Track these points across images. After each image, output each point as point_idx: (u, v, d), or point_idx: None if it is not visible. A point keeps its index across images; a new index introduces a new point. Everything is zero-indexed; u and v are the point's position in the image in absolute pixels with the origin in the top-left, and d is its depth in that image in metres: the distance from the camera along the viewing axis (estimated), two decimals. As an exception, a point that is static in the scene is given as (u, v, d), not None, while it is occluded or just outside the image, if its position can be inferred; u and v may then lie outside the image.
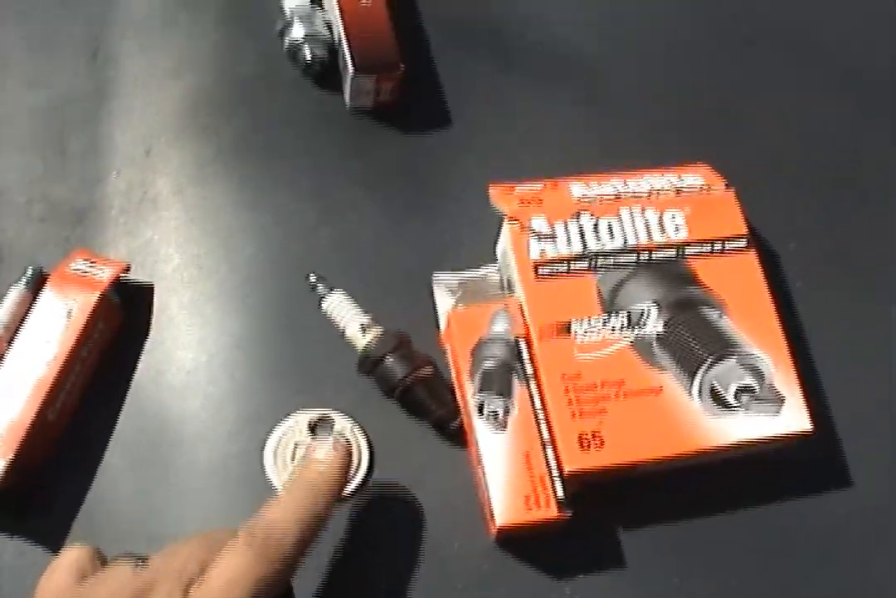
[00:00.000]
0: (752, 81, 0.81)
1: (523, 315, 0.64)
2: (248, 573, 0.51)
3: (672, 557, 0.64)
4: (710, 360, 0.63)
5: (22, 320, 0.68)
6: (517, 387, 0.62)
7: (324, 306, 0.68)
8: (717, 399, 0.62)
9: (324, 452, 0.56)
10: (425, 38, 0.81)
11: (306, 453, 0.57)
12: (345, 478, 0.57)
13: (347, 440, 0.57)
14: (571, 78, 0.81)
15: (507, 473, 0.60)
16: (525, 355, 0.63)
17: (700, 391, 0.62)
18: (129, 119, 0.78)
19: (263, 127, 0.78)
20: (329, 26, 0.78)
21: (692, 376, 0.62)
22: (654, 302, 0.64)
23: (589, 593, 0.63)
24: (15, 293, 0.69)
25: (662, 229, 0.67)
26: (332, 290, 0.69)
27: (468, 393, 0.62)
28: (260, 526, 0.53)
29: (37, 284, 0.70)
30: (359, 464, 0.65)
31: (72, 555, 0.54)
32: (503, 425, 0.61)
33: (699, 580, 0.63)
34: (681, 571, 0.64)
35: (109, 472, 0.66)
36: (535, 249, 0.66)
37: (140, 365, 0.70)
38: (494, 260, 0.70)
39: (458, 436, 0.66)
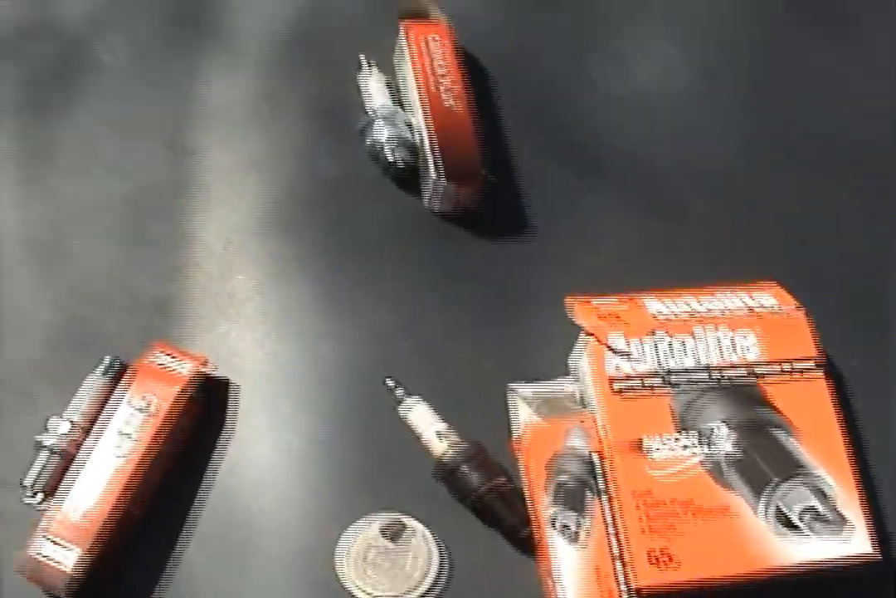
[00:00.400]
0: (817, 200, 0.85)
1: (598, 431, 0.67)
2: None
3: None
4: (776, 480, 0.65)
5: (100, 409, 0.70)
6: (590, 501, 0.65)
7: (401, 410, 0.71)
8: (783, 520, 0.64)
9: None
10: (506, 143, 0.84)
11: None
12: None
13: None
14: (648, 191, 0.84)
15: (578, 586, 0.63)
16: (599, 471, 0.65)
17: (766, 511, 0.64)
18: (210, 211, 0.81)
19: (343, 227, 0.81)
20: (410, 126, 0.81)
21: (759, 495, 0.65)
22: (725, 421, 0.67)
23: None
24: (93, 381, 0.72)
25: (734, 349, 0.69)
26: (409, 395, 0.71)
27: (542, 505, 0.65)
28: None
29: (115, 372, 0.72)
30: (429, 568, 0.67)
31: None
32: (575, 539, 0.64)
33: None
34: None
35: (185, 565, 0.69)
36: (612, 365, 0.68)
37: (217, 459, 0.72)
38: (567, 369, 0.72)
39: (527, 545, 0.68)
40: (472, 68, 0.84)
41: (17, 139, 0.86)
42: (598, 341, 0.69)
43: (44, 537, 0.65)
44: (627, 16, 0.92)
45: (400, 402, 0.71)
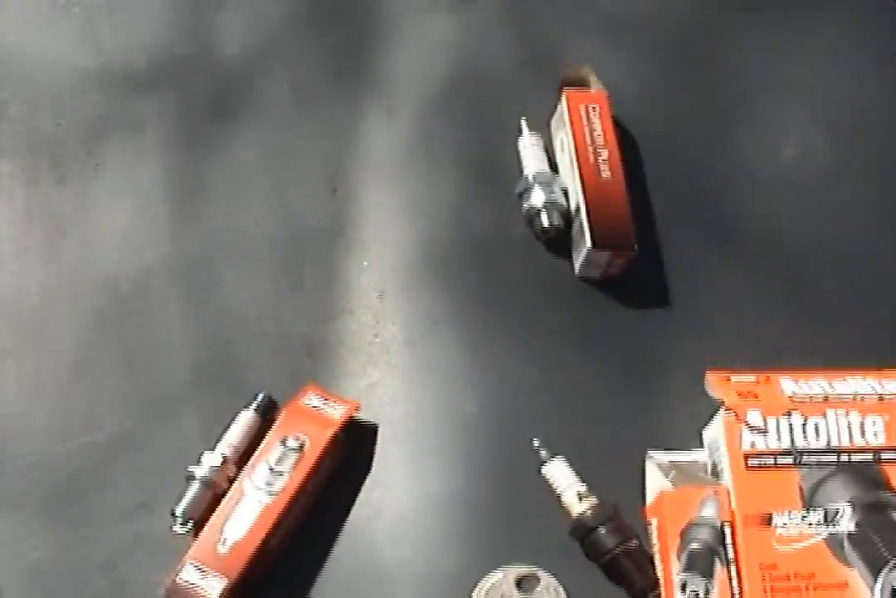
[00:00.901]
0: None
1: (730, 502, 0.72)
2: None
3: None
4: (893, 561, 0.70)
5: (249, 444, 0.76)
6: (718, 570, 0.70)
7: (544, 470, 0.76)
8: None
9: None
10: (651, 214, 0.89)
11: None
12: None
13: None
14: (783, 272, 0.89)
15: (702, 651, 0.67)
16: (728, 541, 0.70)
17: (882, 590, 0.69)
18: (364, 260, 0.87)
19: (492, 284, 0.86)
20: (566, 193, 0.86)
21: (876, 575, 0.69)
22: (849, 502, 0.71)
23: None
24: (245, 417, 0.77)
25: (863, 433, 0.74)
26: (553, 456, 0.76)
27: (672, 570, 0.70)
28: None
29: (266, 410, 0.78)
30: (559, 622, 0.73)
31: None
32: (703, 606, 0.69)
33: None
34: None
35: (320, 598, 0.72)
36: (747, 441, 0.74)
37: (358, 502, 0.77)
38: (699, 438, 0.78)
39: (653, 608, 0.72)
40: (623, 139, 0.88)
41: (173, 173, 0.92)
42: (736, 417, 0.74)
43: (192, 565, 0.70)
44: (770, 96, 0.97)
45: (544, 462, 0.76)
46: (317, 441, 0.74)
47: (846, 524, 0.71)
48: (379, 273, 0.86)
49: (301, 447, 0.74)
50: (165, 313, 0.84)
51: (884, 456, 0.74)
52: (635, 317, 0.85)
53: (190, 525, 0.73)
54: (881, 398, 0.76)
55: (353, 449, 0.78)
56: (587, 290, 0.85)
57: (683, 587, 0.69)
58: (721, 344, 0.83)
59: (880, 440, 0.75)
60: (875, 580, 0.69)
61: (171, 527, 0.73)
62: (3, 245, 0.88)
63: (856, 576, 0.70)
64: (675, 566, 0.70)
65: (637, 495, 0.77)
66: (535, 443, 0.76)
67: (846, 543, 0.71)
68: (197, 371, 0.82)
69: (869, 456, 0.74)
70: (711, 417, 0.77)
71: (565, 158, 0.86)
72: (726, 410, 0.74)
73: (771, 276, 0.88)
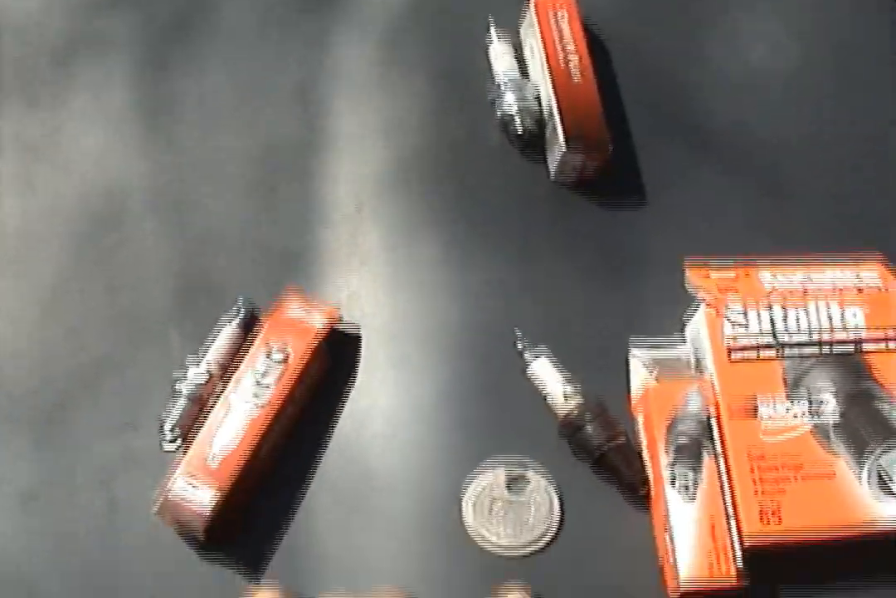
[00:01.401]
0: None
1: (715, 395, 0.71)
2: None
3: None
4: (878, 449, 0.69)
5: (232, 356, 0.74)
6: (706, 461, 0.68)
7: (529, 371, 0.75)
8: (884, 486, 0.68)
9: None
10: (622, 116, 0.87)
11: None
12: None
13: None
14: (758, 167, 0.87)
15: (693, 540, 0.66)
16: (715, 433, 0.69)
17: (868, 478, 0.68)
18: (340, 173, 0.85)
19: (472, 192, 0.84)
20: (538, 98, 0.84)
21: (862, 462, 0.68)
22: (833, 392, 0.70)
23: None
24: (228, 331, 0.75)
25: (844, 324, 0.73)
26: (538, 356, 0.75)
27: (661, 464, 0.68)
28: None
29: (248, 323, 0.76)
30: (550, 520, 0.71)
31: None
32: (692, 497, 0.67)
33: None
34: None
35: (312, 508, 0.72)
36: (729, 334, 0.72)
37: (345, 410, 0.76)
38: (681, 331, 0.77)
39: (643, 501, 0.72)
40: (593, 45, 0.86)
41: (143, 93, 0.89)
42: (717, 312, 0.72)
43: (183, 479, 0.68)
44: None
45: (528, 362, 0.74)
46: (301, 351, 0.73)
47: (831, 413, 0.70)
48: (355, 185, 0.84)
49: (285, 359, 0.72)
50: (143, 233, 0.82)
51: (865, 346, 0.73)
52: (612, 218, 0.83)
53: (178, 441, 0.71)
54: (860, 290, 0.75)
55: (337, 358, 0.77)
56: (563, 193, 0.83)
57: (673, 480, 0.68)
58: (698, 241, 0.81)
59: (861, 330, 0.74)
60: (861, 467, 0.68)
61: (159, 444, 0.71)
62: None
63: (843, 465, 0.69)
64: (664, 460, 0.69)
65: (623, 390, 0.76)
66: (519, 345, 0.74)
67: (832, 432, 0.70)
68: (177, 289, 0.80)
69: (850, 347, 0.73)
70: (692, 307, 0.75)
71: (536, 64, 0.84)
72: (707, 305, 0.73)
73: (744, 175, 0.87)
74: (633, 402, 0.74)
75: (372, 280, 0.80)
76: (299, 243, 0.81)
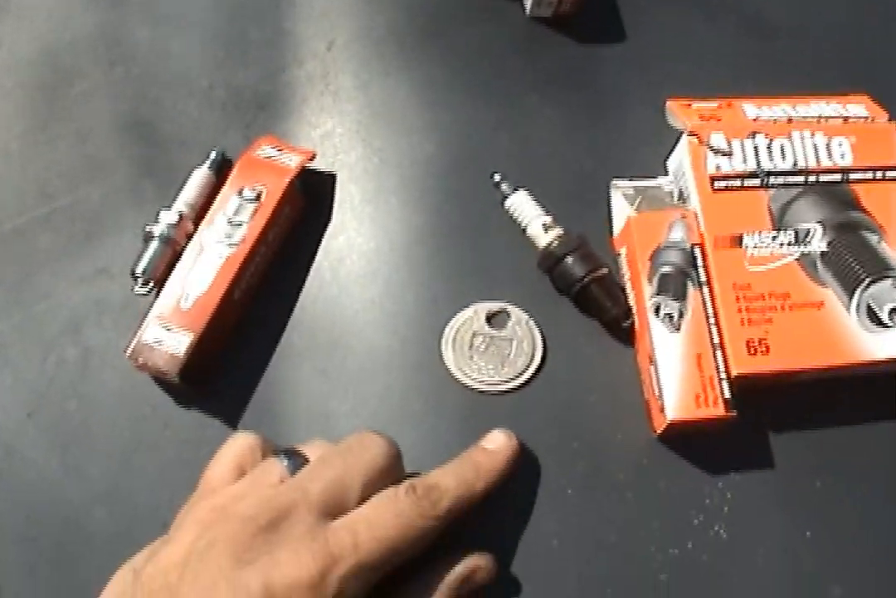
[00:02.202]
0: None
1: (699, 225, 0.66)
2: (399, 519, 0.53)
3: (818, 463, 0.66)
4: (867, 280, 0.65)
5: (206, 201, 0.70)
6: (691, 292, 0.64)
7: (507, 203, 0.70)
8: (873, 317, 0.64)
9: (497, 442, 0.61)
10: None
11: (481, 440, 0.61)
12: (508, 470, 0.60)
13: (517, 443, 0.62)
14: (743, 6, 0.82)
15: (679, 371, 0.63)
16: (700, 263, 0.65)
17: (857, 308, 0.64)
18: (311, 12, 0.80)
19: (445, 30, 0.79)
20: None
21: (851, 293, 0.65)
22: (820, 222, 0.66)
23: (740, 487, 0.65)
24: (199, 175, 0.71)
25: (830, 154, 0.69)
26: (515, 189, 0.70)
27: (645, 295, 0.64)
28: (422, 483, 0.55)
29: (220, 166, 0.72)
30: (532, 355, 0.67)
31: (235, 446, 0.58)
32: (677, 328, 0.63)
33: (839, 486, 0.66)
34: (824, 475, 0.66)
35: (288, 352, 0.68)
36: (712, 164, 0.68)
37: (321, 251, 0.71)
38: (662, 171, 0.72)
39: (626, 336, 0.68)
40: None
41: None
42: (699, 140, 0.68)
43: (156, 323, 0.65)
44: None
45: (506, 196, 0.70)
46: (274, 189, 0.68)
47: (818, 243, 0.66)
48: (326, 24, 0.79)
49: (258, 197, 0.68)
50: (111, 83, 0.78)
51: (852, 176, 0.69)
52: (591, 54, 0.78)
53: (150, 284, 0.67)
54: (846, 120, 0.70)
55: (311, 200, 0.72)
56: (540, 30, 0.78)
57: (657, 310, 0.64)
58: (680, 78, 0.77)
59: (847, 161, 0.69)
60: (850, 299, 0.65)
61: (131, 289, 0.67)
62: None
63: (831, 295, 0.65)
64: (647, 291, 0.65)
65: (604, 230, 0.72)
66: (497, 177, 0.70)
67: (819, 263, 0.66)
68: (148, 135, 0.76)
69: (837, 176, 0.69)
70: (674, 147, 0.70)
71: None
72: (689, 134, 0.69)
73: (728, 15, 0.82)
74: (615, 236, 0.70)
75: (345, 119, 0.75)
76: (270, 85, 0.76)
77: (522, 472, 0.64)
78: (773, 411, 0.67)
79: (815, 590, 0.63)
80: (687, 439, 0.65)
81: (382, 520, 0.52)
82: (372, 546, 0.51)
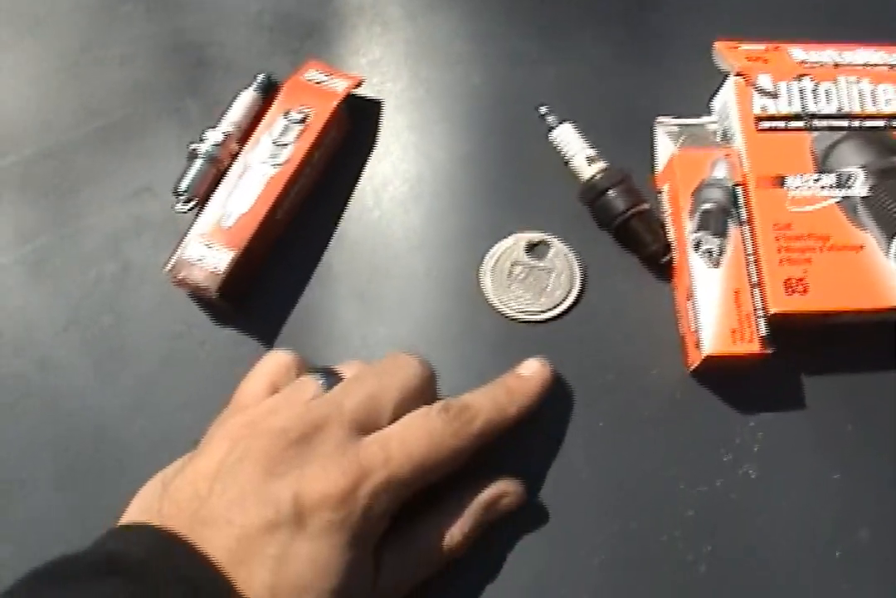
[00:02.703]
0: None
1: (742, 164, 0.66)
2: (431, 437, 0.53)
3: (850, 406, 0.66)
4: None
5: (252, 123, 0.69)
6: (732, 230, 0.64)
7: (552, 135, 0.69)
8: None
9: (531, 369, 0.61)
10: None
11: (516, 368, 0.61)
12: (541, 397, 0.60)
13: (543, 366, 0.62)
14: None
15: (717, 307, 0.62)
16: (741, 202, 0.64)
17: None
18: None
19: (496, -35, 0.76)
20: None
21: (891, 238, 0.64)
22: (862, 167, 0.66)
23: (771, 428, 0.65)
24: (246, 96, 0.70)
25: (874, 100, 0.68)
26: (561, 122, 0.69)
27: (686, 231, 0.64)
28: (455, 403, 0.55)
29: (266, 89, 0.71)
30: (570, 287, 0.67)
31: (270, 364, 0.57)
32: (716, 264, 0.63)
33: (871, 430, 0.66)
34: (856, 419, 0.66)
35: (327, 274, 0.68)
36: (758, 104, 0.67)
37: (364, 175, 0.71)
38: (707, 112, 0.71)
39: (664, 272, 0.68)
40: None
41: None
42: (746, 80, 0.67)
43: (197, 240, 0.64)
44: None
45: (552, 128, 0.69)
46: (320, 112, 0.68)
47: (859, 188, 0.66)
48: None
49: (304, 119, 0.68)
50: (159, 3, 0.78)
51: (896, 123, 0.66)
52: (640, -2, 0.75)
53: (193, 202, 0.66)
54: (892, 68, 0.69)
55: (357, 126, 0.71)
56: (592, -31, 0.75)
57: (697, 246, 0.64)
58: (729, 21, 0.76)
59: (892, 107, 0.69)
60: (889, 243, 0.64)
61: (173, 207, 0.66)
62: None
63: (870, 239, 0.64)
64: (688, 227, 0.64)
65: (647, 166, 0.71)
66: (543, 109, 0.69)
67: (860, 207, 0.65)
68: (195, 62, 0.75)
69: (881, 122, 0.68)
70: (720, 87, 0.70)
71: None
72: (736, 74, 0.68)
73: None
74: (657, 175, 0.70)
75: (392, 48, 0.74)
76: (319, 13, 0.76)
77: (554, 403, 0.64)
78: (808, 353, 0.66)
79: (842, 532, 0.62)
80: (720, 378, 0.65)
81: (414, 437, 0.52)
82: (403, 462, 0.51)
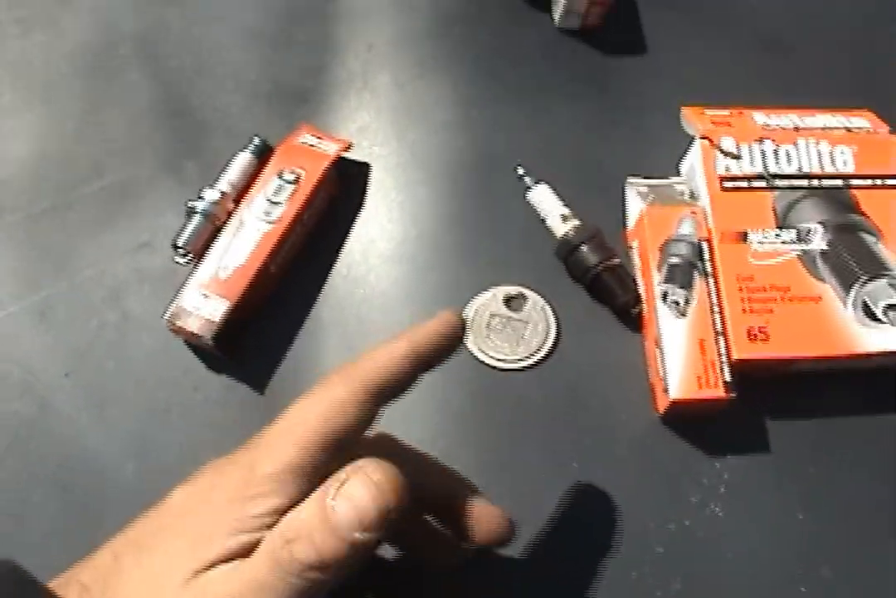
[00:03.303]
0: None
1: (707, 221, 0.69)
2: None
3: (812, 450, 0.68)
4: (864, 278, 0.67)
5: (247, 183, 0.72)
6: (697, 282, 0.67)
7: (529, 195, 0.73)
8: (868, 313, 0.66)
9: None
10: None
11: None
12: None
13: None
14: (757, 23, 0.86)
15: (683, 355, 0.65)
16: (706, 256, 0.68)
17: (854, 304, 0.66)
18: (353, 18, 0.83)
19: (479, 40, 0.82)
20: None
21: (848, 290, 0.67)
22: (821, 223, 0.69)
23: (736, 470, 0.66)
24: (242, 158, 0.73)
25: (833, 161, 0.71)
26: (537, 182, 0.73)
27: (654, 283, 0.67)
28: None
29: (261, 152, 0.74)
30: (546, 337, 0.70)
31: None
32: (683, 314, 0.66)
33: (832, 471, 0.68)
34: (818, 462, 0.68)
35: (317, 325, 0.71)
36: (722, 165, 0.71)
37: (353, 233, 0.74)
38: (675, 174, 0.75)
39: (635, 323, 0.70)
40: None
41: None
42: (710, 143, 0.70)
43: (195, 290, 0.67)
44: None
45: (528, 188, 0.72)
46: (312, 173, 0.71)
47: (818, 242, 0.69)
48: (367, 29, 0.82)
49: (297, 179, 0.71)
50: (163, 70, 0.81)
51: (853, 182, 0.72)
52: (613, 63, 0.81)
53: (190, 257, 0.70)
54: (849, 131, 0.73)
55: (346, 187, 0.75)
56: (567, 41, 0.82)
57: (665, 296, 0.67)
58: (695, 88, 0.80)
59: (849, 168, 0.72)
60: (847, 294, 0.67)
61: (172, 259, 0.69)
62: (3, 14, 0.84)
63: (829, 290, 0.67)
64: (657, 279, 0.67)
65: (618, 224, 0.74)
66: (520, 171, 0.73)
67: (819, 260, 0.68)
68: (195, 122, 0.79)
69: (839, 182, 0.72)
70: (687, 151, 0.73)
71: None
72: (701, 137, 0.72)
73: (744, 29, 0.85)
74: (627, 230, 0.73)
75: (381, 114, 0.78)
76: (312, 82, 0.79)
77: (531, 444, 0.67)
78: (771, 399, 0.68)
79: (805, 570, 0.64)
80: (688, 422, 0.67)
81: None
82: None
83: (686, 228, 0.68)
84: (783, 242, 0.68)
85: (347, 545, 0.40)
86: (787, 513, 0.66)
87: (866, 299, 0.67)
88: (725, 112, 0.73)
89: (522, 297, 0.71)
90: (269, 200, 0.69)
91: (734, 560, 0.64)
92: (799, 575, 0.64)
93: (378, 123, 0.77)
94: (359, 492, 0.41)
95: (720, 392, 0.64)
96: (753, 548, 0.64)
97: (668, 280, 0.67)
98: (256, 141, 0.75)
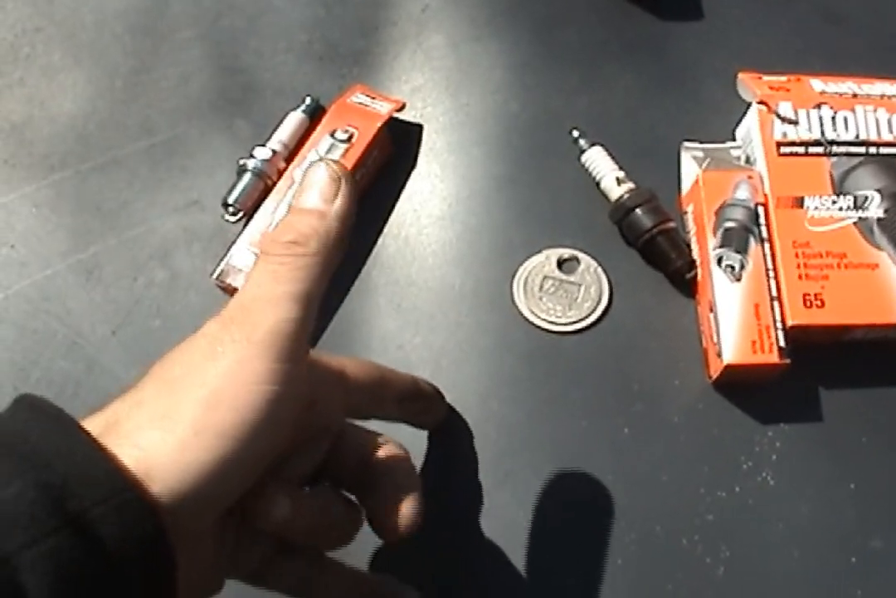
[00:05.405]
0: None
1: (762, 186, 0.68)
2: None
3: (864, 420, 0.67)
4: None
5: (299, 143, 0.72)
6: (753, 247, 0.66)
7: (584, 157, 0.71)
8: None
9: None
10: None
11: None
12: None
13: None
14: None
15: (737, 319, 0.64)
16: (762, 221, 0.66)
17: None
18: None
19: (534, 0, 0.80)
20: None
21: None
22: (878, 190, 0.68)
23: (787, 438, 0.66)
24: (294, 117, 0.73)
25: (890, 129, 0.70)
26: (592, 145, 0.72)
27: (709, 247, 0.66)
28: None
29: (313, 112, 0.73)
30: (598, 300, 0.69)
31: None
32: (738, 279, 0.65)
33: (885, 442, 0.67)
34: (870, 433, 0.67)
35: (366, 286, 0.70)
36: (779, 131, 0.69)
37: (404, 194, 0.73)
38: (730, 139, 0.73)
39: (688, 288, 0.69)
40: None
41: None
42: (768, 108, 0.69)
43: (245, 247, 0.67)
44: None
45: (583, 150, 0.71)
46: (365, 133, 0.70)
47: (875, 209, 0.68)
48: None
49: (349, 138, 0.70)
50: (216, 29, 0.80)
51: (911, 151, 0.68)
52: (670, 28, 0.80)
53: (241, 215, 0.69)
54: (909, 99, 0.71)
55: (399, 147, 0.74)
56: (624, 5, 0.80)
57: (720, 261, 0.66)
58: (752, 55, 0.78)
59: (908, 136, 0.69)
60: (903, 262, 0.64)
61: (222, 217, 0.69)
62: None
63: (885, 258, 0.66)
64: (711, 243, 0.66)
65: (673, 189, 0.73)
66: (575, 133, 0.72)
67: (875, 227, 0.67)
68: (246, 82, 0.78)
69: (896, 150, 0.68)
70: (742, 117, 0.73)
71: None
72: (758, 102, 0.71)
73: (802, 1, 0.83)
74: (682, 195, 0.72)
75: (435, 76, 0.77)
76: (365, 42, 0.78)
77: (582, 408, 0.66)
78: (825, 367, 0.67)
79: (855, 542, 0.63)
80: (740, 389, 0.66)
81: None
82: None
83: (742, 193, 0.67)
84: (839, 209, 0.67)
85: (317, 216, 0.46)
86: (839, 483, 0.65)
87: (921, 270, 0.63)
88: (783, 78, 0.71)
89: (575, 260, 0.69)
90: (321, 158, 0.67)
91: (784, 529, 0.63)
92: (849, 546, 0.63)
93: (431, 84, 0.76)
94: (315, 176, 0.47)
95: (774, 358, 0.63)
96: (803, 517, 0.63)
97: (723, 245, 0.66)
98: (308, 101, 0.74)
